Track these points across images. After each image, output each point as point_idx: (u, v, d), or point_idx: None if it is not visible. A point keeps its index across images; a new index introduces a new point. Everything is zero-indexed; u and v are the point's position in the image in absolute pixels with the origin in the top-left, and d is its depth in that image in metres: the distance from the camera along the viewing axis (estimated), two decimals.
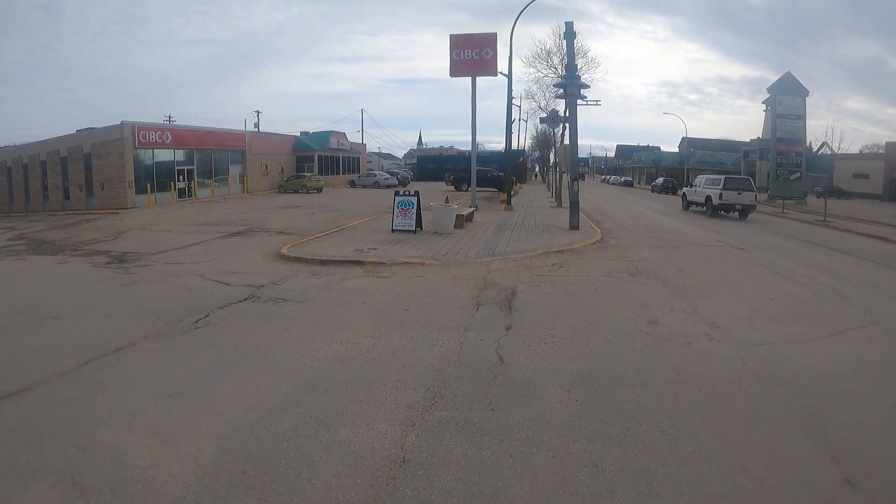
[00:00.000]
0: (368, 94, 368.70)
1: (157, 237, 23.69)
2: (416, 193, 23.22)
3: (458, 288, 13.71)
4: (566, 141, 33.60)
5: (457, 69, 35.40)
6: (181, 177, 47.56)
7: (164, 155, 46.29)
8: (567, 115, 25.30)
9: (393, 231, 22.91)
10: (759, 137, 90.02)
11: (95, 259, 18.32)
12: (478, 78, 35.37)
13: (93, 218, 34.74)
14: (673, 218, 34.99)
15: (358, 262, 16.83)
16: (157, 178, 44.65)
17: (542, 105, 46.45)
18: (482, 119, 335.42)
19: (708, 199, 36.33)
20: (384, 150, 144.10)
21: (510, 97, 38.12)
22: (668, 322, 10.84)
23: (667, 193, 73.41)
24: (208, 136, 52.77)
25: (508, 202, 36.51)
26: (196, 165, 49.76)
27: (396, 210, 23.08)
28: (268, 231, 25.16)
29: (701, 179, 39.31)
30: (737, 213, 35.02)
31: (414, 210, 22.78)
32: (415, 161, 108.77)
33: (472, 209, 28.28)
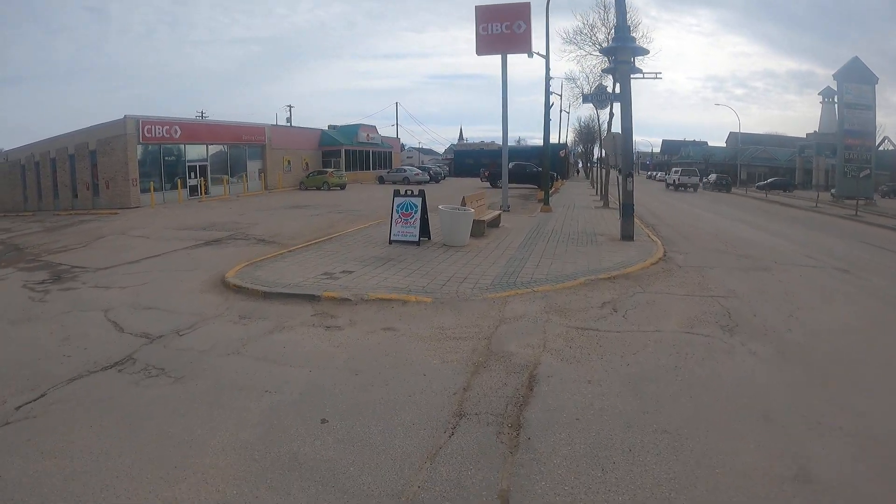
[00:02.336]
0: (412, 91, 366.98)
1: (125, 246, 20.33)
2: (421, 193, 17.59)
3: (438, 359, 8.05)
4: (615, 128, 27.45)
5: (484, 46, 29.27)
6: (192, 173, 44.27)
7: (173, 150, 43.57)
8: (617, 91, 19.24)
9: (390, 242, 17.45)
10: (815, 132, 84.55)
11: (35, 275, 15.49)
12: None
13: (89, 219, 31.95)
14: (738, 221, 29.62)
15: (312, 298, 11.43)
16: (166, 175, 41.73)
17: (584, 91, 41.14)
18: (522, 115, 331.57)
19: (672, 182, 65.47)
20: (425, 146, 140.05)
21: (548, 78, 32.09)
22: (830, 479, 5.01)
23: (720, 191, 66.97)
24: (223, 130, 49.32)
25: (546, 202, 30.85)
26: (210, 161, 46.54)
27: (395, 215, 17.56)
28: (248, 239, 20.85)
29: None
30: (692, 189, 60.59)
31: (417, 215, 17.24)
32: (451, 157, 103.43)
33: (497, 212, 22.38)
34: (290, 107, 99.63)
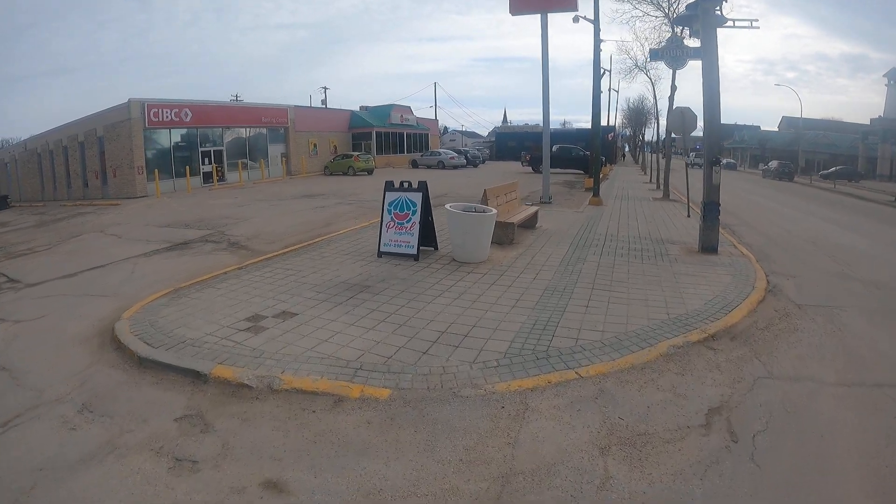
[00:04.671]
0: (456, 74, 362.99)
1: (88, 249, 16.76)
2: (423, 188, 12.38)
3: None
4: (682, 102, 21.68)
5: (519, 2, 23.72)
6: (206, 159, 40.31)
7: (184, 136, 39.75)
8: (697, 45, 13.54)
9: (379, 255, 12.41)
10: (880, 117, 78.59)
11: None
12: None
13: (87, 211, 28.94)
14: (824, 220, 24.18)
15: (196, 377, 6.78)
16: (176, 162, 38.00)
17: (639, 63, 35.64)
18: (566, 98, 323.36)
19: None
20: (468, 129, 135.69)
21: (597, 37, 25.92)
22: None
23: (781, 179, 60.89)
24: (241, 113, 44.82)
25: (595, 192, 25.32)
26: (226, 146, 42.49)
27: (386, 217, 12.54)
28: (220, 242, 16.56)
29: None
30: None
31: (416, 217, 12.24)
32: (493, 140, 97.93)
33: (534, 208, 16.90)
34: (325, 88, 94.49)
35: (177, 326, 8.22)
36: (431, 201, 12.51)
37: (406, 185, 12.53)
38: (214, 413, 5.89)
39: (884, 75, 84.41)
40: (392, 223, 12.36)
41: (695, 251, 13.85)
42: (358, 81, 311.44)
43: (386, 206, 12.49)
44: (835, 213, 27.77)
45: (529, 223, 16.21)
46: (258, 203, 27.19)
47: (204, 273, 11.75)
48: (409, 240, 12.11)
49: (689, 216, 20.77)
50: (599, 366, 6.75)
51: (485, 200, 13.20)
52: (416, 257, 11.98)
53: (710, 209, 13.44)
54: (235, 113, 44.21)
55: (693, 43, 14.75)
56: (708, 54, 13.31)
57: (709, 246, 13.57)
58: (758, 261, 13.35)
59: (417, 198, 12.17)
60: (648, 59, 32.24)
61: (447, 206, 12.28)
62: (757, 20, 13.76)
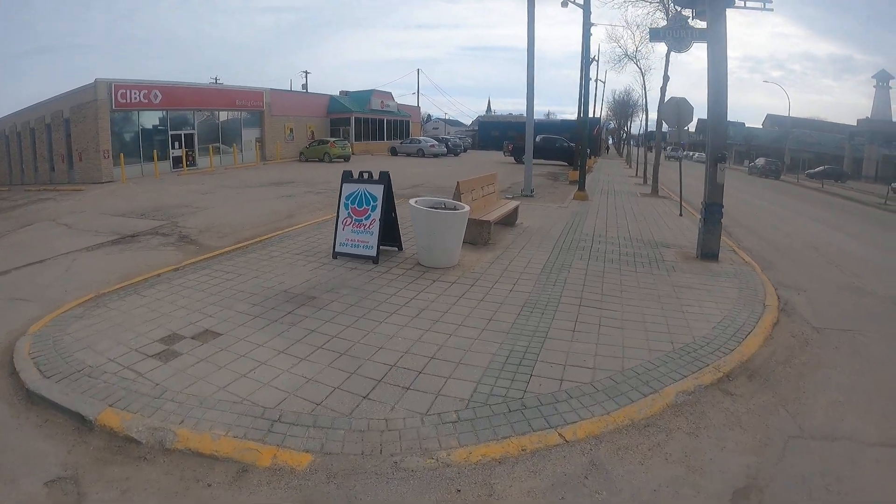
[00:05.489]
0: (443, 62, 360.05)
1: (33, 241, 14.84)
2: (384, 179, 10.70)
3: None
4: (676, 91, 20.02)
5: None
6: (176, 143, 38.35)
7: (153, 118, 37.63)
8: (706, 27, 11.86)
9: (335, 255, 10.73)
10: (867, 118, 78.65)
11: None
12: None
13: (48, 197, 27.15)
14: (822, 224, 22.85)
15: (81, 422, 5.22)
16: (144, 146, 36.01)
17: (629, 52, 34.25)
18: (553, 89, 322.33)
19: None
20: (452, 118, 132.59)
21: (587, 24, 24.58)
22: None
23: (768, 177, 59.75)
24: (214, 95, 42.91)
25: (581, 186, 23.73)
26: (197, 130, 40.40)
27: (343, 212, 10.82)
28: (171, 235, 14.79)
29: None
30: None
31: (377, 214, 10.54)
32: (476, 129, 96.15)
33: (514, 204, 15.19)
34: (305, 73, 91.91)
35: (80, 347, 6.61)
36: (406, 191, 10.85)
37: (366, 175, 10.86)
38: (93, 476, 4.43)
39: (872, 76, 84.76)
40: (349, 220, 10.71)
41: (692, 257, 12.32)
42: (342, 67, 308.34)
43: (343, 200, 10.83)
44: (828, 215, 26.65)
45: (509, 220, 14.57)
46: (224, 190, 25.57)
47: (139, 273, 10.12)
48: (367, 239, 10.46)
49: (681, 215, 19.29)
50: (590, 423, 5.16)
51: (457, 195, 11.56)
52: (375, 260, 10.34)
53: (713, 211, 11.88)
54: (208, 95, 42.22)
55: (698, 25, 13.07)
56: (715, 37, 11.70)
57: (709, 252, 12.05)
58: (762, 270, 11.92)
59: (378, 191, 10.51)
60: (648, 40, 30.75)
61: (411, 201, 10.56)
62: (771, 1, 12.19)
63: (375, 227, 10.40)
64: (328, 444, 4.75)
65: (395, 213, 10.95)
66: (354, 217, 10.66)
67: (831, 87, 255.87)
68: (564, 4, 25.12)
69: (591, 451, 4.83)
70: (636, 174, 39.80)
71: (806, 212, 27.12)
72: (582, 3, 24.41)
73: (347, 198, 10.81)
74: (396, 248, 11.25)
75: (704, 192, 12.17)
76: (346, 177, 10.98)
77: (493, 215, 12.54)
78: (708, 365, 6.52)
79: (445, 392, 5.65)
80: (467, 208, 10.57)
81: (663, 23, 22.71)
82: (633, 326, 7.66)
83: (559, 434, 4.97)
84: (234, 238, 13.67)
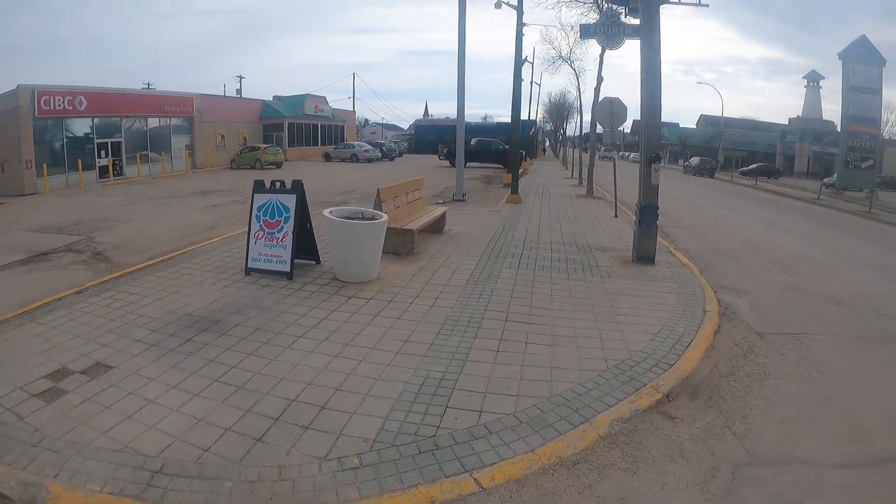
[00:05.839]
0: (382, 66, 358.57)
1: None
2: (297, 188, 9.86)
3: None
4: (610, 92, 19.64)
5: None
6: (103, 152, 36.34)
7: (80, 126, 35.55)
8: (640, 23, 11.30)
9: (248, 272, 9.81)
10: (798, 117, 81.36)
11: None
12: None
13: None
14: (758, 221, 22.86)
15: None
16: (70, 155, 33.98)
17: (562, 53, 34.20)
18: (489, 93, 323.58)
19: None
20: (390, 122, 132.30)
21: (520, 19, 24.43)
22: None
23: (703, 176, 60.35)
24: (142, 101, 40.98)
25: (514, 189, 23.15)
26: (125, 137, 38.53)
27: (255, 224, 9.93)
28: (85, 252, 13.66)
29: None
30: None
31: (289, 226, 9.67)
32: (412, 133, 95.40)
33: (441, 210, 14.39)
34: (239, 77, 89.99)
35: None
36: (337, 198, 10.02)
37: (278, 185, 10.02)
38: None
39: (803, 77, 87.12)
40: (261, 233, 9.84)
41: (628, 261, 11.78)
42: (280, 72, 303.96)
43: (254, 212, 9.95)
44: (766, 212, 26.79)
45: (436, 227, 13.82)
46: (148, 201, 24.36)
47: (42, 297, 9.02)
48: (281, 254, 9.61)
49: (616, 216, 18.86)
50: (512, 464, 4.47)
51: (378, 203, 10.77)
52: (289, 276, 9.49)
53: (648, 213, 11.34)
54: (136, 101, 40.36)
55: (631, 21, 12.56)
56: (649, 33, 11.16)
57: (645, 255, 11.52)
58: (701, 272, 11.45)
59: (290, 201, 9.68)
60: (578, 37, 30.53)
61: (325, 212, 9.69)
62: None
63: (289, 241, 9.56)
64: (213, 498, 4.00)
65: (311, 224, 10.11)
66: (266, 230, 9.81)
67: (763, 88, 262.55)
68: (498, 6, 24.93)
69: (512, 498, 4.13)
70: (571, 175, 39.64)
71: (742, 209, 27.11)
72: (515, 4, 24.06)
73: (259, 209, 9.93)
74: (314, 262, 10.42)
75: (639, 194, 11.65)
76: (258, 186, 10.11)
77: (418, 223, 11.75)
78: (645, 385, 5.89)
79: (349, 431, 4.90)
80: (385, 218, 9.76)
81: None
82: (563, 342, 6.98)
83: (475, 480, 4.26)
84: (149, 254, 12.60)
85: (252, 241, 9.88)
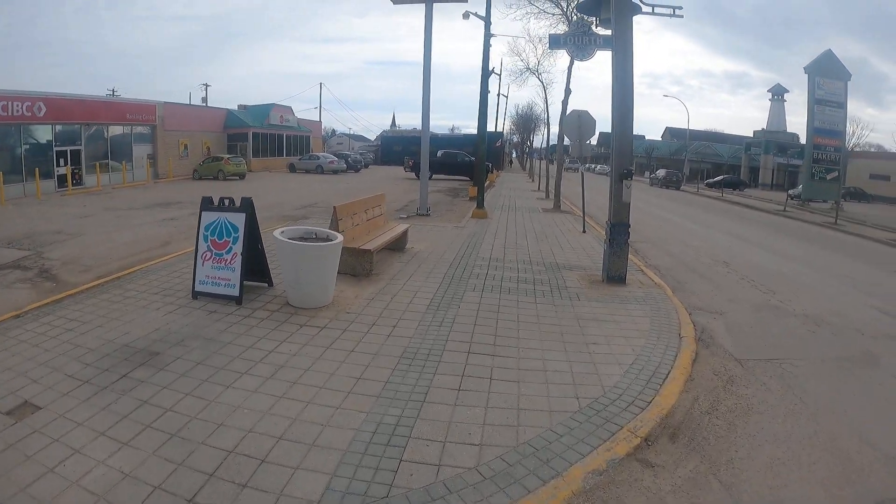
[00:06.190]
0: (351, 76, 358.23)
1: None
2: (246, 206, 9.19)
3: None
4: (576, 104, 19.33)
5: None
6: (62, 160, 35.17)
7: (38, 133, 34.17)
8: (612, 34, 10.75)
9: (195, 295, 9.16)
10: (763, 129, 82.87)
11: None
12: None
13: None
14: (727, 234, 22.59)
15: None
16: (27, 163, 32.74)
17: (530, 65, 33.95)
18: (458, 105, 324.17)
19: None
20: (358, 133, 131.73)
21: (487, 31, 23.87)
22: None
23: (669, 188, 60.50)
24: (103, 109, 39.76)
25: (480, 204, 22.52)
26: (86, 145, 37.27)
27: (203, 245, 9.28)
28: (34, 268, 12.84)
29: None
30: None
31: (238, 247, 9.01)
32: (378, 144, 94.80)
33: (402, 227, 13.68)
34: (206, 85, 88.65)
35: None
36: (298, 212, 9.34)
37: (227, 202, 9.36)
38: None
39: (768, 90, 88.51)
40: (209, 254, 9.16)
41: (598, 280, 11.28)
42: (248, 80, 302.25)
43: (202, 231, 9.28)
44: (733, 224, 26.68)
45: (398, 244, 13.19)
46: (105, 213, 23.46)
47: None
48: (229, 277, 8.95)
49: (584, 231, 18.37)
50: None
51: (335, 221, 10.15)
52: (238, 300, 8.82)
53: (619, 232, 10.84)
54: (97, 108, 39.18)
55: (602, 32, 12.12)
56: (621, 44, 10.68)
57: (616, 275, 11.01)
58: (674, 291, 11.05)
59: (239, 220, 9.01)
60: (549, 49, 30.21)
61: (276, 232, 9.02)
62: (680, 7, 11.32)
63: (237, 263, 8.90)
64: None
65: (262, 245, 9.47)
66: (214, 251, 9.14)
67: (727, 101, 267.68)
68: (466, 16, 24.84)
69: None
70: (539, 188, 39.29)
71: (710, 222, 26.91)
72: (484, 14, 23.83)
73: (207, 228, 9.27)
74: (266, 285, 9.77)
75: (609, 211, 11.15)
76: (205, 203, 9.44)
77: (377, 242, 11.08)
78: (622, 427, 5.34)
79: (290, 490, 4.28)
80: (340, 239, 9.08)
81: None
82: (531, 378, 6.40)
83: None
84: (98, 272, 11.89)
85: (199, 262, 9.21)
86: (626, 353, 7.26)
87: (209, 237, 9.17)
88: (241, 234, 8.94)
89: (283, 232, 8.98)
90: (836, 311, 10.46)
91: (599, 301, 9.80)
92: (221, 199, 9.39)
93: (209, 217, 9.27)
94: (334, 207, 10.48)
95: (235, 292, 8.84)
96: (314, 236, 9.15)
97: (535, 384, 6.23)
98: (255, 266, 9.41)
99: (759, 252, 17.66)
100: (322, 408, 5.58)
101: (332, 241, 8.95)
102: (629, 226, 11.03)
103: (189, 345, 7.18)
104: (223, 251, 9.04)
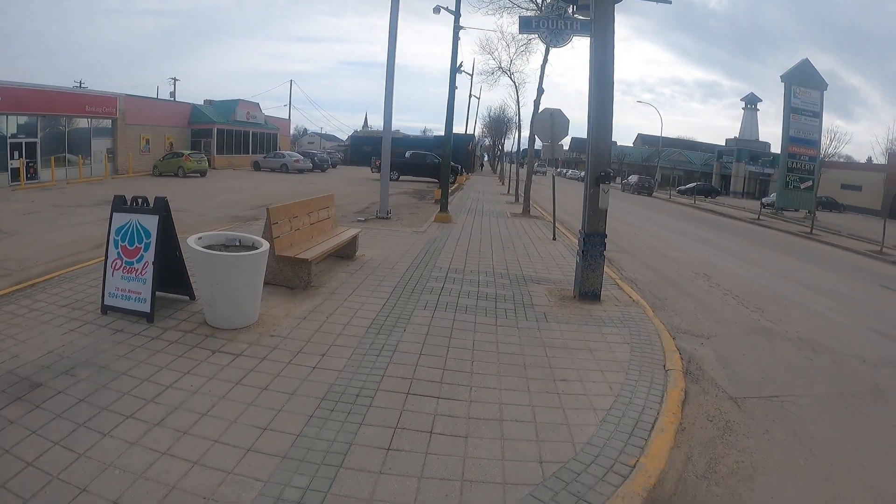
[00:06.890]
0: (324, 76, 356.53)
1: None
2: (160, 207, 7.81)
3: None
4: (549, 102, 18.15)
5: None
6: (16, 153, 33.43)
7: None
8: (591, 19, 9.47)
9: (104, 310, 7.70)
10: (735, 138, 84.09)
11: None
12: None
13: None
14: (704, 244, 21.57)
15: None
16: None
17: (502, 64, 32.92)
18: (431, 107, 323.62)
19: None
20: (329, 132, 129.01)
21: (457, 26, 22.93)
22: None
23: (641, 194, 59.83)
24: (61, 100, 37.83)
25: (444, 207, 21.29)
26: (41, 138, 35.54)
27: (114, 251, 7.80)
28: None
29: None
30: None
31: (150, 254, 7.57)
32: (348, 143, 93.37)
33: (352, 232, 12.10)
34: (174, 80, 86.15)
35: None
36: (251, 212, 7.97)
37: (139, 202, 7.94)
38: None
39: (741, 99, 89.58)
40: (119, 262, 7.73)
41: (569, 296, 10.02)
42: (220, 76, 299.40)
43: (112, 235, 7.85)
44: (709, 233, 25.90)
45: (346, 251, 11.77)
46: (50, 210, 21.90)
47: None
48: (140, 289, 7.52)
49: (555, 239, 17.15)
50: None
51: (268, 226, 8.76)
52: (149, 317, 7.40)
53: (594, 243, 9.57)
54: (54, 99, 37.25)
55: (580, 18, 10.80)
56: (601, 31, 9.44)
57: (590, 291, 9.74)
58: (654, 311, 9.86)
59: (152, 223, 7.60)
60: (520, 45, 29.07)
61: (190, 239, 7.55)
62: None
63: (149, 273, 7.47)
64: None
65: (181, 252, 8.06)
66: (125, 258, 7.70)
67: (698, 110, 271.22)
68: (437, 11, 23.78)
69: None
70: (508, 192, 38.31)
71: (686, 231, 25.99)
72: (453, 8, 23.06)
73: (117, 232, 7.81)
74: (188, 297, 8.35)
75: (584, 219, 9.85)
76: (118, 204, 7.98)
77: (317, 250, 9.60)
78: None
79: None
80: (266, 247, 7.62)
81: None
82: (483, 432, 5.04)
83: None
84: (18, 278, 10.34)
85: (109, 271, 7.76)
86: (602, 394, 5.98)
87: (120, 242, 7.76)
88: (153, 239, 7.53)
89: (200, 238, 7.54)
90: (831, 334, 9.50)
91: (571, 323, 8.50)
92: (134, 199, 7.98)
93: (121, 219, 7.85)
94: (267, 210, 9.07)
95: (146, 307, 7.43)
96: (237, 244, 7.74)
97: (487, 441, 4.87)
98: (173, 277, 8.03)
99: (739, 263, 16.67)
100: (210, 472, 4.21)
101: (256, 249, 7.54)
102: (605, 235, 9.77)
103: (78, 374, 5.78)
104: (133, 259, 7.62)
